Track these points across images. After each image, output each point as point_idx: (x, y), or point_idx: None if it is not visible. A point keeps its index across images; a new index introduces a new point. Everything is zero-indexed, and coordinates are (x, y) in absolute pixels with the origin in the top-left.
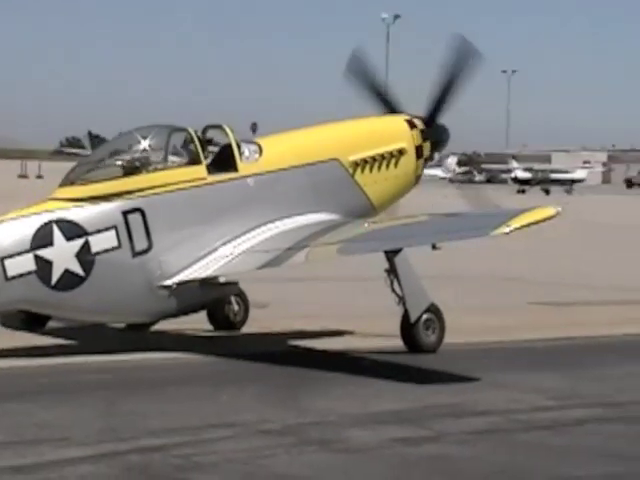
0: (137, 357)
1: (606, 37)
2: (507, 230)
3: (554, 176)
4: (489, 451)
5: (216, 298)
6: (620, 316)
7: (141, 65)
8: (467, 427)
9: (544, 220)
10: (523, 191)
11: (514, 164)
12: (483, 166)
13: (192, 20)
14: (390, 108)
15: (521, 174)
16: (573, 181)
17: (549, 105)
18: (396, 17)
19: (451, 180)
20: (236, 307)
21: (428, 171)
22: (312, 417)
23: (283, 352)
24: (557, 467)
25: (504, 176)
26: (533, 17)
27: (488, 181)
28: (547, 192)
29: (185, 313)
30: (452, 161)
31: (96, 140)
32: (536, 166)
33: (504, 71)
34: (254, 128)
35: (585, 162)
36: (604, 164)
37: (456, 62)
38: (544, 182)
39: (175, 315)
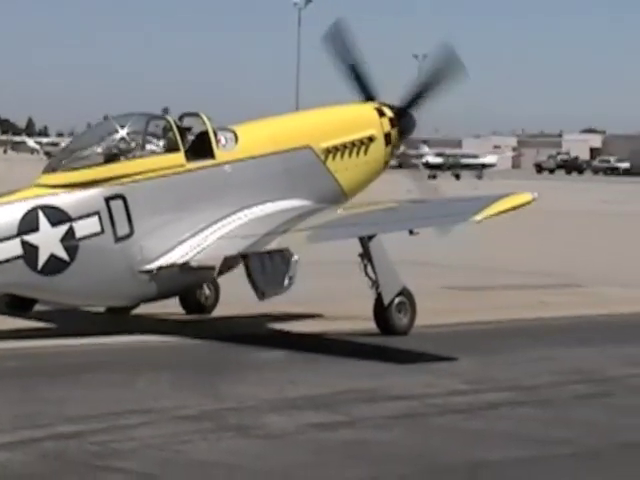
0: (55, 343)
1: (515, 23)
2: (482, 217)
3: (465, 161)
4: (405, 435)
5: (195, 282)
6: (534, 300)
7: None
8: (383, 412)
9: (522, 206)
10: (434, 176)
11: (425, 149)
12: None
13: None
14: (362, 85)
15: (432, 159)
16: (484, 166)
17: (461, 90)
18: (308, 1)
19: None
20: (207, 291)
21: None
22: (229, 403)
23: (214, 337)
24: (472, 451)
25: (415, 161)
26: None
27: (399, 166)
28: (458, 177)
29: (165, 297)
30: None
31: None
32: (447, 151)
33: (415, 56)
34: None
35: (495, 147)
36: (514, 149)
37: (440, 68)
38: (455, 167)
39: (155, 299)
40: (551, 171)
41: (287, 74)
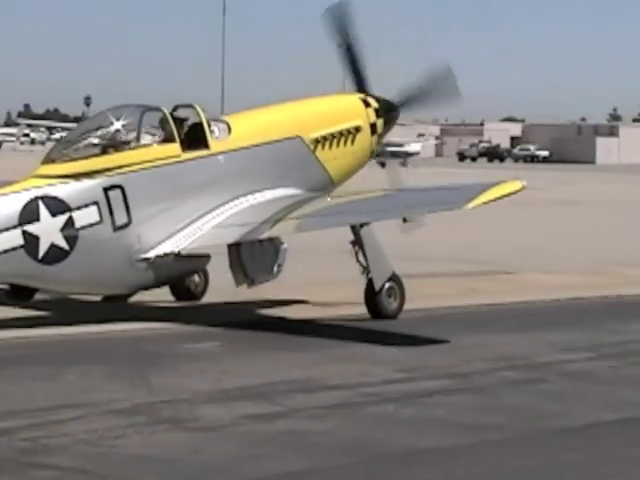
0: None
1: (442, 12)
2: (474, 205)
3: (389, 149)
4: (341, 425)
5: (191, 270)
6: (465, 287)
7: None
8: (318, 402)
9: (512, 193)
10: (383, 164)
11: None
12: None
13: None
14: (355, 73)
15: None
16: (408, 154)
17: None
18: None
19: None
20: (197, 279)
21: None
22: (163, 395)
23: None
24: (408, 439)
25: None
26: None
27: None
28: (383, 165)
29: (161, 285)
30: None
31: None
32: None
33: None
34: (88, 102)
35: (419, 135)
36: (437, 137)
37: (434, 82)
38: (380, 155)
39: (152, 287)
40: (473, 159)
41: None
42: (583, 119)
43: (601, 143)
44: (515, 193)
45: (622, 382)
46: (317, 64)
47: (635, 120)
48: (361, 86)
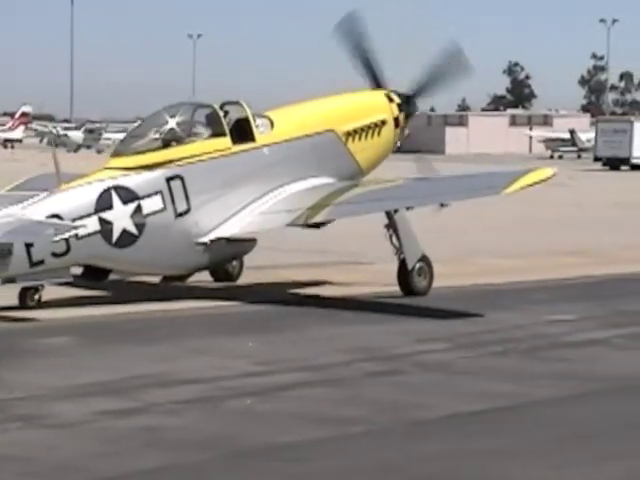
0: None
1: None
2: (512, 190)
3: None
4: (199, 420)
5: (241, 253)
6: (319, 279)
7: None
8: (176, 396)
9: (545, 180)
10: None
11: None
12: None
13: None
14: (372, 73)
15: None
16: None
17: (235, 69)
18: None
19: None
20: (234, 262)
21: (116, 136)
22: (16, 392)
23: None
24: (267, 434)
25: None
26: None
27: None
28: None
29: (215, 266)
30: None
31: None
32: None
33: (190, 35)
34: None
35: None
36: None
37: (446, 64)
38: None
39: (207, 268)
40: None
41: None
42: (432, 109)
43: (450, 133)
44: (547, 180)
45: (479, 373)
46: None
47: (484, 110)
48: (379, 86)
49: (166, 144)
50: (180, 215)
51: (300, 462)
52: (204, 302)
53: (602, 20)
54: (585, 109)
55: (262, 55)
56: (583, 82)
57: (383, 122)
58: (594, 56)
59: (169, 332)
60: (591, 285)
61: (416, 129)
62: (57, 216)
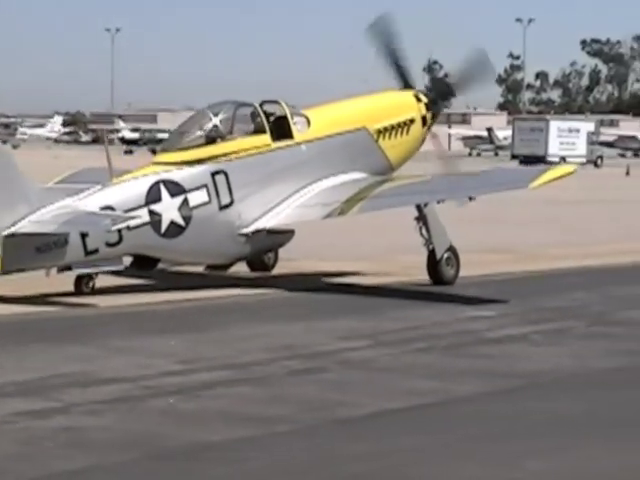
0: None
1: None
2: (538, 185)
3: (161, 136)
4: (121, 420)
5: (280, 244)
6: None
7: None
8: (96, 396)
9: (567, 175)
10: (131, 151)
11: (121, 124)
12: (89, 126)
13: None
14: (402, 74)
15: (128, 134)
16: None
17: (153, 64)
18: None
19: (56, 140)
20: (269, 253)
21: (32, 131)
22: None
23: None
24: (191, 433)
25: (112, 136)
26: None
27: (94, 141)
28: (154, 152)
29: (255, 256)
30: (56, 121)
31: None
32: (143, 126)
33: (107, 29)
34: None
35: None
36: None
37: (471, 71)
38: (151, 142)
39: (248, 258)
40: None
41: None
42: None
43: None
44: (570, 175)
45: (402, 370)
46: None
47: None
48: (408, 86)
49: (210, 141)
50: (224, 208)
51: (224, 462)
52: (129, 298)
53: (518, 19)
54: (502, 107)
55: (185, 49)
56: (500, 81)
57: (412, 120)
58: (511, 55)
59: (90, 331)
60: (511, 282)
61: None
62: (110, 208)
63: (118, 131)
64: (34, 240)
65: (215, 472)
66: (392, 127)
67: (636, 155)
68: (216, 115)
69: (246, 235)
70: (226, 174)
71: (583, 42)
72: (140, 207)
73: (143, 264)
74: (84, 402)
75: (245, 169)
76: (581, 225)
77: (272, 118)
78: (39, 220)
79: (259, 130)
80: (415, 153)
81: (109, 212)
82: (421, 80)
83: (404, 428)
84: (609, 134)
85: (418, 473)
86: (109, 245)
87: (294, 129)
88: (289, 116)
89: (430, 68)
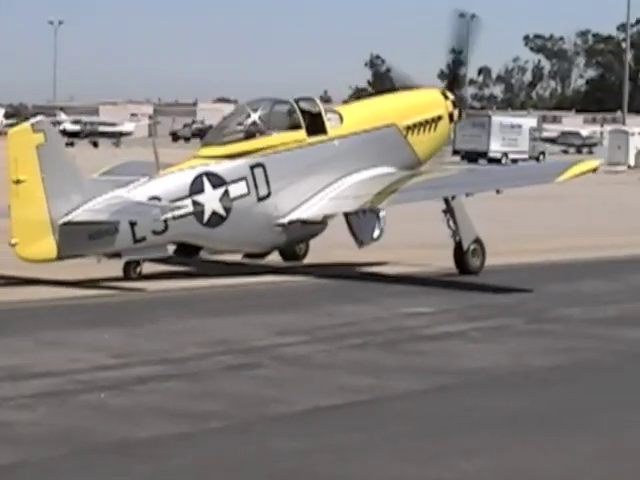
0: None
1: None
2: (563, 179)
3: (102, 129)
4: (51, 415)
5: (314, 234)
6: (169, 269)
7: None
8: (27, 390)
9: (591, 170)
10: (72, 144)
11: (62, 116)
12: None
13: None
14: (455, 74)
15: (70, 126)
16: (121, 134)
17: (96, 57)
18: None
19: None
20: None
21: None
22: None
23: None
24: (122, 428)
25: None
26: None
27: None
28: (95, 145)
29: (290, 245)
30: None
31: None
32: (84, 118)
33: (50, 22)
34: None
35: (132, 115)
36: (150, 117)
37: (460, 41)
38: (93, 134)
39: (283, 247)
40: (187, 139)
41: None
42: None
43: None
44: (595, 170)
45: (338, 366)
46: None
47: (344, 102)
48: (452, 87)
49: (249, 136)
50: (262, 199)
51: (155, 459)
52: (62, 291)
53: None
54: None
55: (127, 43)
56: (442, 76)
57: (439, 117)
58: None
59: (22, 324)
60: (450, 278)
61: None
62: (157, 198)
63: (59, 123)
64: (87, 228)
65: (144, 469)
66: (420, 124)
67: (578, 151)
68: (255, 111)
69: (282, 225)
70: (264, 167)
71: (526, 38)
72: (184, 198)
73: (186, 252)
74: (14, 396)
75: (282, 163)
76: (520, 221)
77: (307, 114)
78: (92, 209)
79: (295, 126)
80: (442, 149)
81: (157, 202)
82: (363, 75)
83: (338, 425)
84: (552, 130)
85: (350, 471)
86: (155, 233)
87: (328, 125)
88: (323, 112)
89: (372, 63)
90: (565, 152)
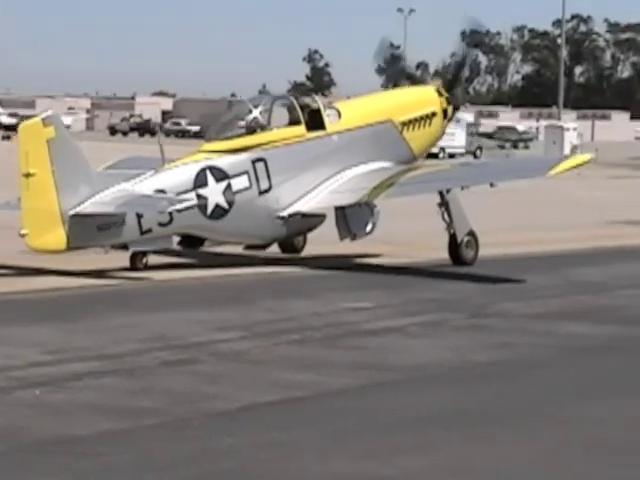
0: None
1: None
2: (555, 173)
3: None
4: None
5: (313, 226)
6: (117, 264)
7: None
8: None
9: (584, 164)
10: (9, 137)
11: None
12: None
13: None
14: (456, 74)
15: (6, 119)
16: None
17: (33, 50)
18: None
19: None
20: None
21: None
22: None
23: None
24: (57, 426)
25: None
26: None
27: None
28: (8, 138)
29: (290, 238)
30: None
31: None
32: (21, 112)
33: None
34: None
35: (69, 108)
36: (88, 111)
37: (468, 45)
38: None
39: (284, 239)
40: (124, 133)
41: None
42: (233, 95)
43: None
44: (586, 164)
45: (276, 362)
46: None
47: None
48: (452, 86)
49: (251, 131)
50: (263, 192)
51: (89, 456)
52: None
53: (399, 9)
54: None
55: (64, 36)
56: (381, 71)
57: (433, 114)
58: (392, 45)
59: None
60: (390, 273)
61: (217, 114)
62: (162, 191)
63: None
64: (96, 220)
65: (79, 466)
66: (415, 120)
67: (515, 146)
68: (256, 107)
69: (283, 218)
70: (265, 162)
71: (463, 33)
72: (189, 191)
73: (190, 243)
74: None
75: (282, 157)
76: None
77: (306, 110)
78: (100, 202)
79: (295, 121)
80: (435, 144)
81: (162, 195)
82: (302, 70)
83: (276, 422)
84: (488, 125)
85: (287, 468)
86: (161, 225)
87: (326, 121)
88: (322, 109)
89: (310, 58)
90: (501, 147)
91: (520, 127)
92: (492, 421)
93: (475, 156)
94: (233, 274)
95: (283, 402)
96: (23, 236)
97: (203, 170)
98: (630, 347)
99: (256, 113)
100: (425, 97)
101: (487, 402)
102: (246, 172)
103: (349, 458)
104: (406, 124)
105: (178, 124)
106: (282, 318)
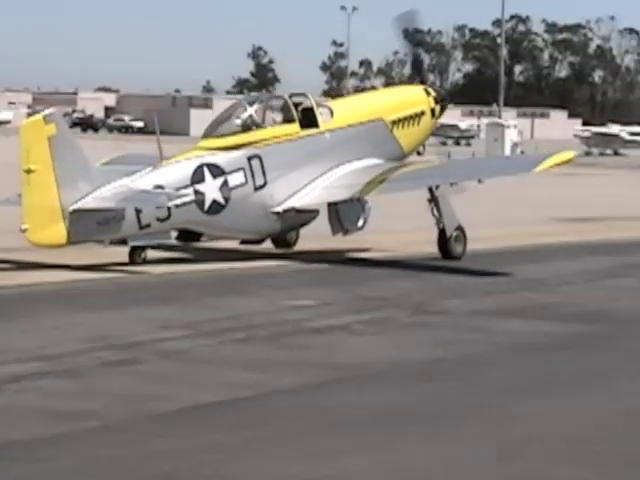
0: None
1: None
2: (540, 170)
3: None
4: None
5: (306, 221)
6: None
7: None
8: None
9: (567, 162)
10: None
11: None
12: None
13: None
14: (418, 70)
15: None
16: (0, 122)
17: None
18: None
19: None
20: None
21: None
22: None
23: None
24: None
25: None
26: None
27: None
28: None
29: (285, 233)
30: None
31: None
32: None
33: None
34: None
35: (10, 103)
36: (29, 106)
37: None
38: None
39: (278, 234)
40: None
41: None
42: (177, 91)
43: (195, 114)
44: (570, 161)
45: (220, 361)
46: None
47: (228, 92)
48: (422, 81)
49: (246, 129)
50: (258, 188)
51: (27, 461)
52: None
53: (343, 7)
54: (327, 94)
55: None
56: (324, 68)
57: (422, 112)
58: (335, 43)
59: None
60: (331, 270)
61: (161, 110)
62: (160, 187)
63: None
64: (96, 215)
65: (17, 472)
66: (405, 118)
67: (457, 143)
68: (251, 105)
69: (277, 213)
70: (260, 158)
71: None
72: (186, 187)
73: (187, 238)
74: None
75: (277, 154)
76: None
77: (300, 109)
78: (100, 197)
79: (289, 119)
80: (424, 142)
81: (161, 191)
82: (246, 66)
83: (219, 423)
84: None
85: (231, 470)
86: (159, 220)
87: (319, 119)
88: (315, 107)
89: (255, 54)
90: (443, 144)
91: (462, 125)
92: (434, 420)
93: (419, 153)
94: (175, 272)
95: (227, 402)
96: (24, 231)
97: (200, 166)
98: (569, 343)
99: (251, 111)
100: (414, 97)
101: (429, 401)
102: (242, 168)
103: (292, 459)
104: (396, 122)
105: (121, 120)
106: (227, 316)
